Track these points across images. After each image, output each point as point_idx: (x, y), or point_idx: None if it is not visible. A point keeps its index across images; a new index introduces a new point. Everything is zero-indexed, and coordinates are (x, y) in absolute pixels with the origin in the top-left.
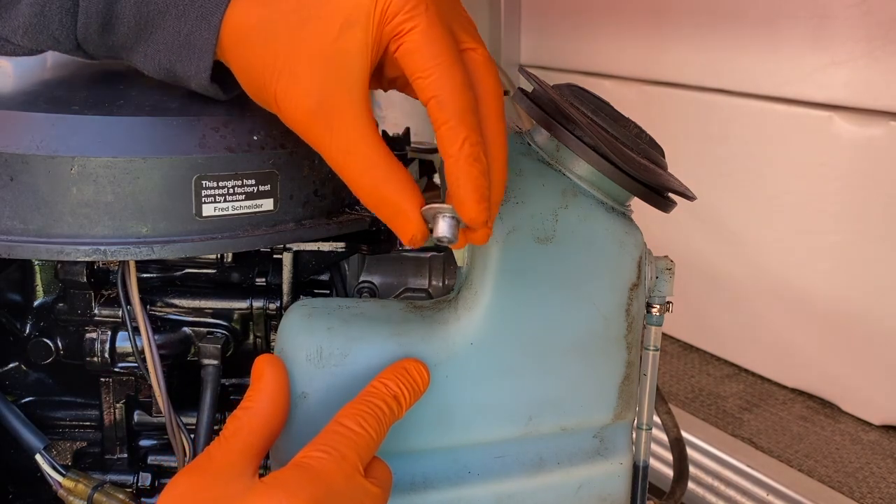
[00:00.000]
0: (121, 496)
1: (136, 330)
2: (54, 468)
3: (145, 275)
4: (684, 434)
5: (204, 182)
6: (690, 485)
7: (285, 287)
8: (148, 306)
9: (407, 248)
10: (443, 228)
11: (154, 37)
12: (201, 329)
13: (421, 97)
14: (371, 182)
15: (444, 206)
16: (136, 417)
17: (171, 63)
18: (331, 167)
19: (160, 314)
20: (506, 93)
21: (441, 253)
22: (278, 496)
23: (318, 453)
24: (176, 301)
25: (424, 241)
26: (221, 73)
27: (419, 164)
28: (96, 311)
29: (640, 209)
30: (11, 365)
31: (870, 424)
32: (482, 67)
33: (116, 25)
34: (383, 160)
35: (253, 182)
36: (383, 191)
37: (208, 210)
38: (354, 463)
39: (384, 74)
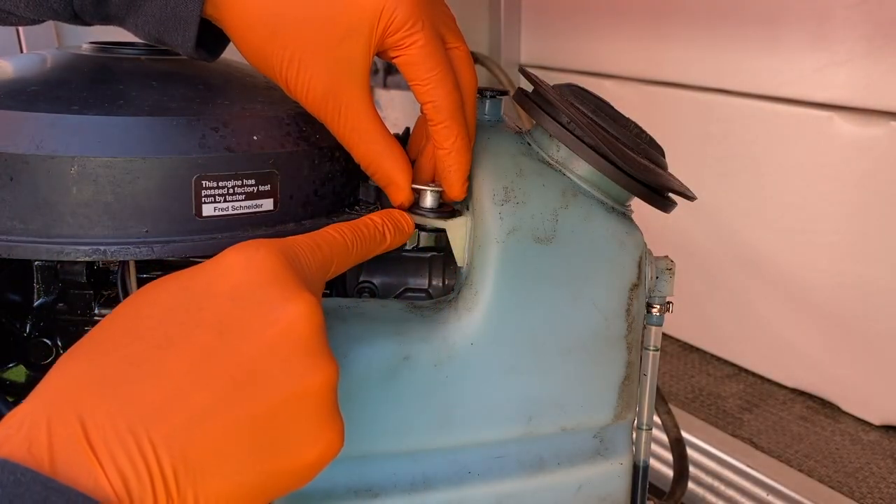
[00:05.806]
0: None
1: None
2: None
3: (145, 275)
4: (684, 434)
5: (204, 182)
6: (690, 485)
7: None
8: None
9: (407, 248)
10: (429, 201)
11: (143, 9)
12: None
13: (419, 99)
14: (372, 155)
15: (434, 186)
16: None
17: (160, 33)
18: (339, 141)
19: None
20: (505, 93)
21: (441, 253)
22: (243, 247)
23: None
24: None
25: (409, 205)
26: (208, 37)
27: None
28: (97, 312)
29: (641, 209)
30: (11, 365)
31: (870, 424)
32: (462, 63)
33: None
34: (383, 138)
35: (253, 182)
36: (382, 162)
37: (208, 210)
38: (325, 250)
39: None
